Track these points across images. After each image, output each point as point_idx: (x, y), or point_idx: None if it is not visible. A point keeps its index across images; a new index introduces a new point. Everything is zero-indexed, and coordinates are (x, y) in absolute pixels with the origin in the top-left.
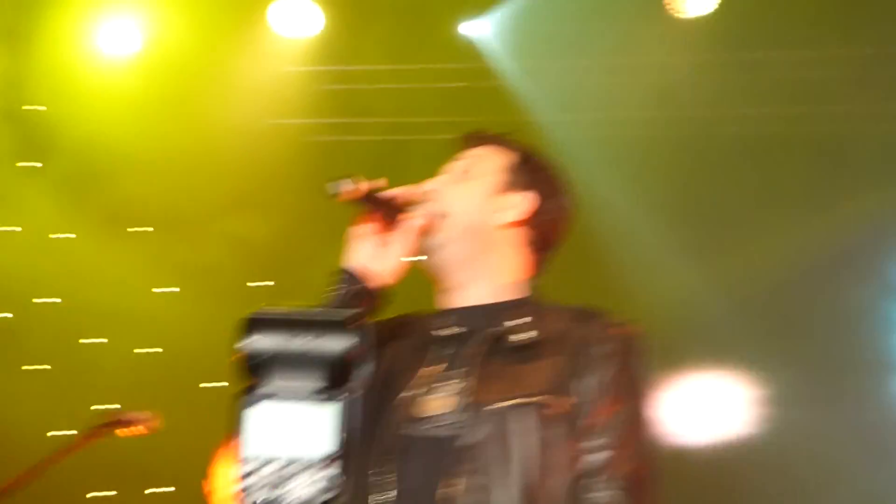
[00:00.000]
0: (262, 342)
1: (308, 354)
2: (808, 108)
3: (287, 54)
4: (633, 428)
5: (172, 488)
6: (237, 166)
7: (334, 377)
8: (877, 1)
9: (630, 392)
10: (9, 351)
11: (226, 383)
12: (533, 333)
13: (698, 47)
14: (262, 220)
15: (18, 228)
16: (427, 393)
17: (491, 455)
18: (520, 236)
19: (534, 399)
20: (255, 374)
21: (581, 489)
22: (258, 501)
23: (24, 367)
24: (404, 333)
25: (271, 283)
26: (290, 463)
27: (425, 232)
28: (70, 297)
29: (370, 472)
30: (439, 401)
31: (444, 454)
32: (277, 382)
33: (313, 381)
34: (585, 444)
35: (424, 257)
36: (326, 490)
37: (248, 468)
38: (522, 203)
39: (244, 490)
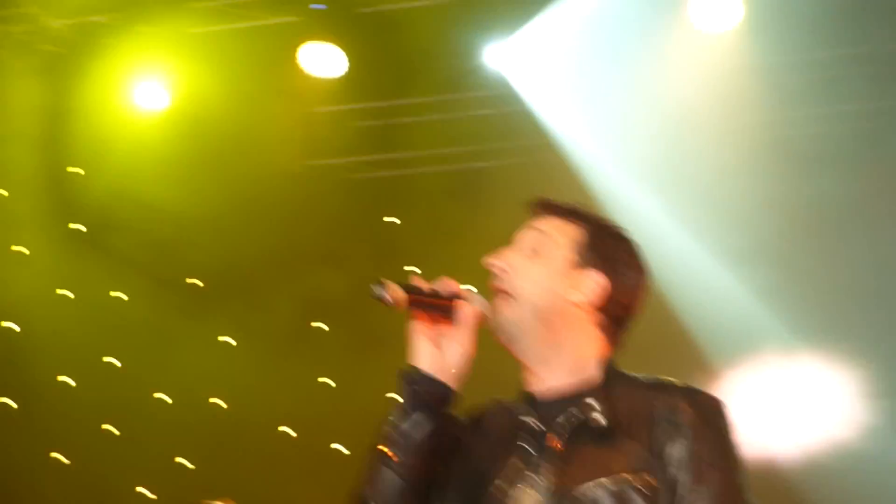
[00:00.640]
0: None
1: None
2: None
3: (316, 94)
4: (725, 498)
5: None
6: (282, 212)
7: None
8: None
9: (716, 462)
10: (76, 412)
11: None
12: (606, 419)
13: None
14: (318, 266)
15: (71, 294)
16: (517, 483)
17: None
18: (592, 317)
19: (619, 477)
20: None
21: None
22: None
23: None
24: (491, 422)
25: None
26: None
27: (486, 318)
28: (129, 356)
29: None
30: (529, 491)
31: None
32: None
33: None
34: None
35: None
36: None
37: None
38: (594, 284)
39: None
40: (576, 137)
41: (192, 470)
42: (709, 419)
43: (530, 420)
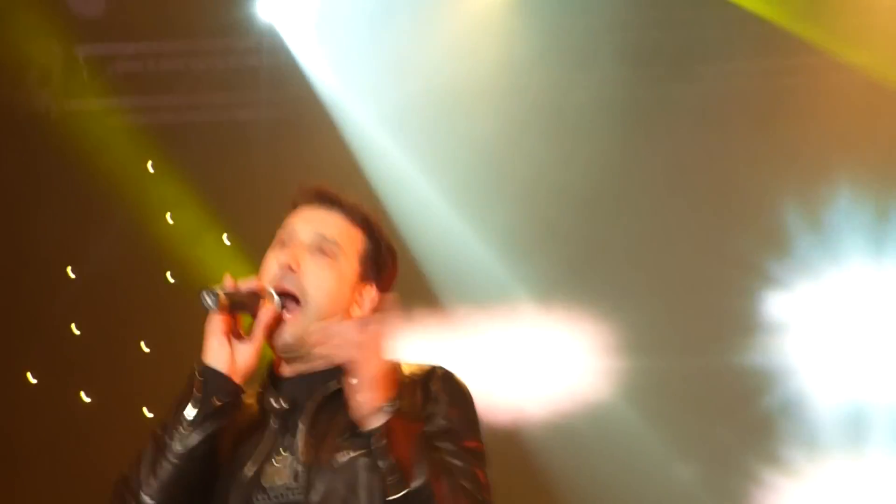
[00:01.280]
0: None
1: None
2: None
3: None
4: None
5: None
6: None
7: None
8: None
9: (467, 431)
10: None
11: None
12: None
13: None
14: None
15: None
16: (267, 463)
17: None
18: None
19: (358, 450)
20: None
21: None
22: None
23: None
24: (241, 411)
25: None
26: None
27: (277, 320)
28: None
29: None
30: (279, 469)
31: None
32: None
33: None
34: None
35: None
36: None
37: None
38: (370, 299)
39: None
40: (341, 94)
41: None
42: (454, 390)
43: (275, 400)
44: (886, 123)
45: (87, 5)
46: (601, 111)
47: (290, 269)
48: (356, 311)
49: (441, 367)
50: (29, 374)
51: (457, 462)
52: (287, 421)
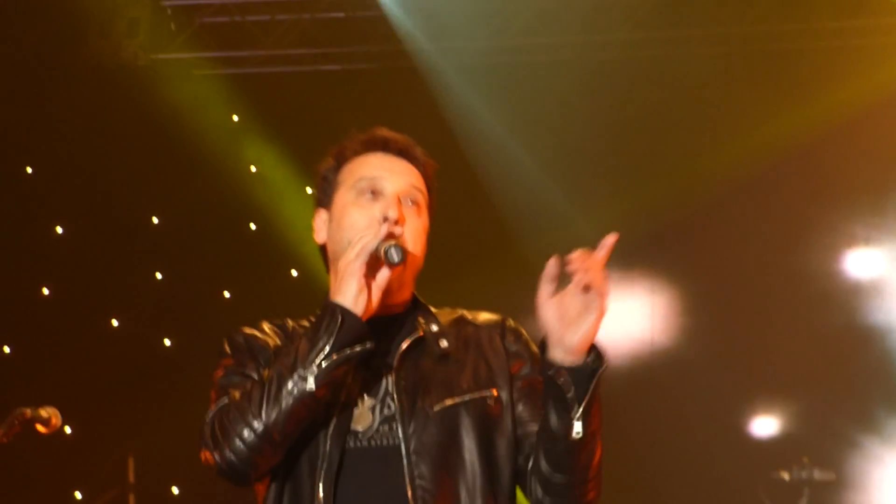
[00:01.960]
0: None
1: None
2: None
3: None
4: None
5: None
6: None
7: None
8: None
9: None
10: None
11: None
12: (446, 342)
13: None
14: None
15: None
16: (353, 406)
17: (437, 458)
18: None
19: (467, 397)
20: None
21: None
22: None
23: None
24: None
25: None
26: None
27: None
28: None
29: (305, 483)
30: (363, 412)
31: (385, 464)
32: None
33: None
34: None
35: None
36: None
37: None
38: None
39: None
40: (429, 46)
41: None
42: (522, 337)
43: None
44: None
45: None
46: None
47: (397, 223)
48: (420, 262)
49: (509, 319)
50: (113, 320)
51: None
52: (369, 363)
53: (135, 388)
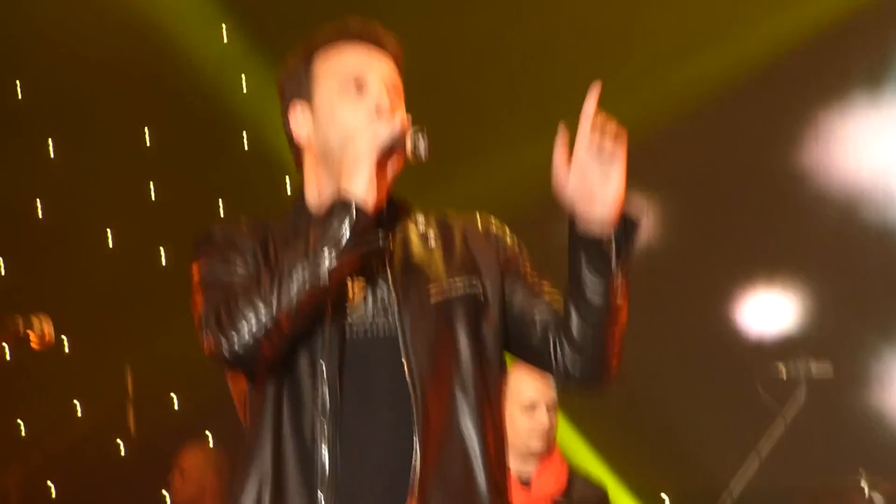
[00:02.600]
0: None
1: None
2: None
3: None
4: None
5: None
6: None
7: None
8: None
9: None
10: None
11: None
12: (432, 233)
13: None
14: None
15: None
16: (348, 295)
17: (433, 349)
18: None
19: (461, 290)
20: None
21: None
22: None
23: None
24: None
25: None
26: None
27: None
28: None
29: (306, 379)
30: (362, 302)
31: (383, 354)
32: None
33: None
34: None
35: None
36: None
37: None
38: None
39: None
40: None
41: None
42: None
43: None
44: None
45: None
46: None
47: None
48: None
49: (488, 214)
50: (109, 237)
51: None
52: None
53: (132, 303)
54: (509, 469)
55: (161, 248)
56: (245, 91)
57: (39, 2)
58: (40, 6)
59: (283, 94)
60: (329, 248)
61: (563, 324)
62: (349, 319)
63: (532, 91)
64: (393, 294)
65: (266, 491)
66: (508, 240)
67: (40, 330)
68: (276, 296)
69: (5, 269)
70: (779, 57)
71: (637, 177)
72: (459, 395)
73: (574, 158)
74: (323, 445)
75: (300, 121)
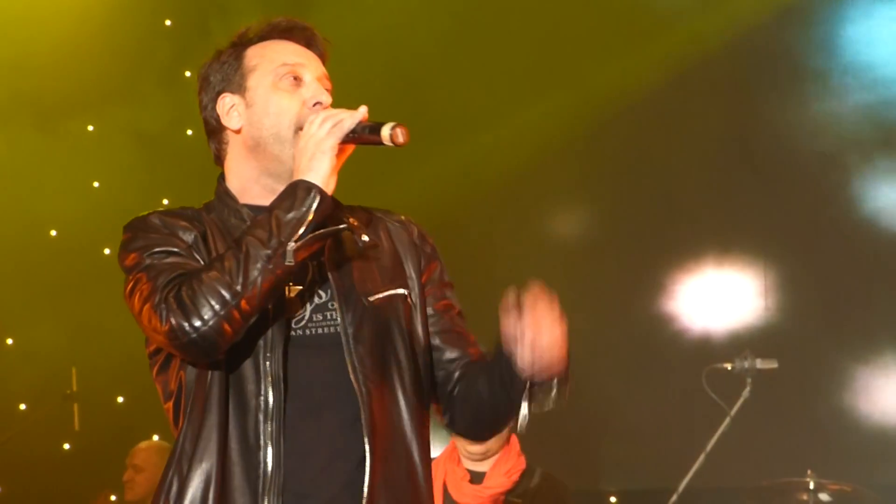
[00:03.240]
0: None
1: None
2: None
3: None
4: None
5: None
6: None
7: None
8: None
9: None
10: None
11: None
12: (366, 233)
13: None
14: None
15: None
16: (285, 292)
17: (374, 348)
18: None
19: (398, 290)
20: None
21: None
22: None
23: None
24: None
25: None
26: None
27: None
28: None
29: (249, 377)
30: (295, 300)
31: (325, 352)
32: None
33: None
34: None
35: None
36: None
37: None
38: None
39: None
40: None
41: None
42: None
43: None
44: None
45: None
46: None
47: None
48: None
49: (412, 219)
50: (51, 230)
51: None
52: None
53: (77, 299)
54: (460, 465)
55: (105, 242)
56: (187, 77)
57: None
58: None
59: (206, 85)
60: (293, 233)
61: (469, 383)
62: (291, 319)
63: (478, 84)
64: (333, 292)
65: (211, 492)
66: (428, 248)
67: None
68: (240, 277)
69: None
70: (725, 44)
71: (581, 171)
72: (400, 394)
73: (521, 323)
74: (269, 447)
75: (229, 111)
